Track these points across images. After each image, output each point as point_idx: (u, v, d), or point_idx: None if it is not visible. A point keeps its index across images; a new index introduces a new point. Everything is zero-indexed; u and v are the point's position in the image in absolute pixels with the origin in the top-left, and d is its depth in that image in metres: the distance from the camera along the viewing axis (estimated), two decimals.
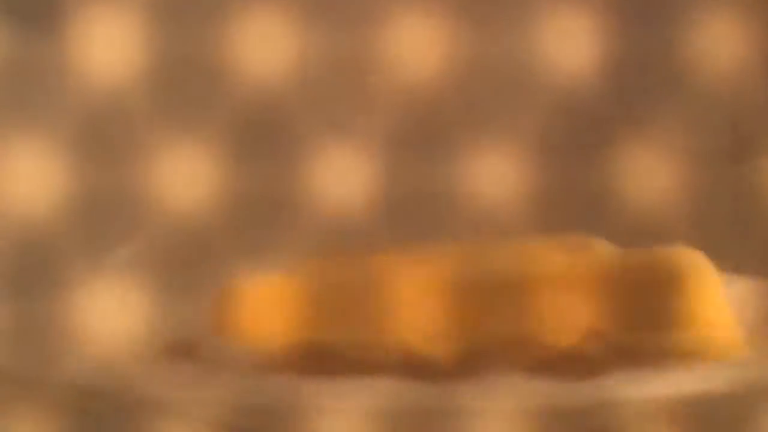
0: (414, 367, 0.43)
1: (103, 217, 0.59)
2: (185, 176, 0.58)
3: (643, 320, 0.42)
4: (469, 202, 0.58)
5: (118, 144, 0.59)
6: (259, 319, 0.48)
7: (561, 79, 0.58)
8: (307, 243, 0.57)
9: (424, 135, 0.60)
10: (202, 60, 0.59)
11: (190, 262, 0.58)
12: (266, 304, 0.48)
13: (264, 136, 0.60)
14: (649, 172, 0.57)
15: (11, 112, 0.58)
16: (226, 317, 0.48)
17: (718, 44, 0.57)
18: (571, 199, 0.59)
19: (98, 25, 0.57)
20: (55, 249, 0.58)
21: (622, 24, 0.58)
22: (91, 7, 0.57)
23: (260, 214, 0.60)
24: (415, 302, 0.44)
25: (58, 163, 0.58)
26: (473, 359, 0.43)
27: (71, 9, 0.57)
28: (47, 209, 0.57)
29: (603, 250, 0.46)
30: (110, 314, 0.49)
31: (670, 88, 0.59)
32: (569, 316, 0.42)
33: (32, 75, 0.59)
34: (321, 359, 0.45)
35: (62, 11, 0.58)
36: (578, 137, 0.59)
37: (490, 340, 0.43)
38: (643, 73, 0.59)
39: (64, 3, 0.58)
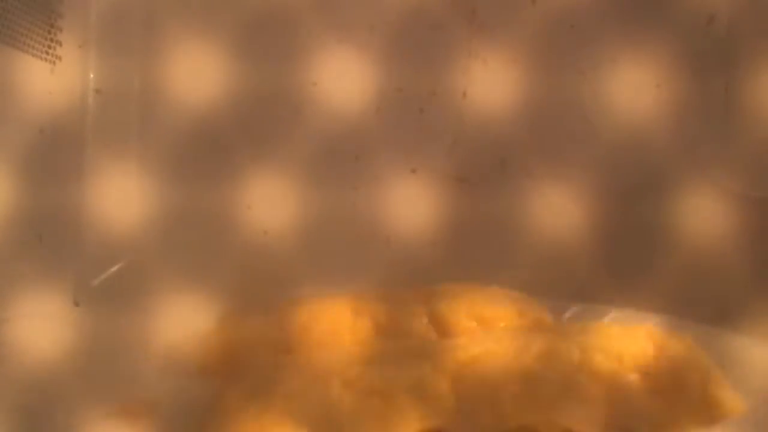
0: None
1: (194, 236, 0.62)
2: (271, 197, 0.61)
3: (665, 415, 0.45)
4: (532, 236, 0.60)
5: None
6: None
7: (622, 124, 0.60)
8: (378, 273, 0.60)
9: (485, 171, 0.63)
10: (285, 93, 0.63)
11: (270, 283, 0.61)
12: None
13: (341, 164, 0.64)
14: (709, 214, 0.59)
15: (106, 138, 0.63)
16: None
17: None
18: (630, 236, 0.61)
19: (187, 56, 0.60)
20: (151, 261, 0.62)
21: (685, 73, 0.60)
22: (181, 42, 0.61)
23: (339, 240, 0.63)
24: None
25: (150, 184, 0.62)
26: None
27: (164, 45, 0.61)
28: (141, 228, 0.61)
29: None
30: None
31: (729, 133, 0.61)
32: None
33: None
34: None
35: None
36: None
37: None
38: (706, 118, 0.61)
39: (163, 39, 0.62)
